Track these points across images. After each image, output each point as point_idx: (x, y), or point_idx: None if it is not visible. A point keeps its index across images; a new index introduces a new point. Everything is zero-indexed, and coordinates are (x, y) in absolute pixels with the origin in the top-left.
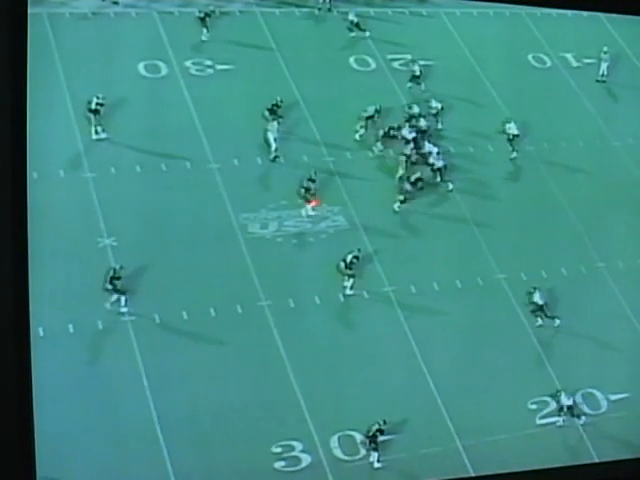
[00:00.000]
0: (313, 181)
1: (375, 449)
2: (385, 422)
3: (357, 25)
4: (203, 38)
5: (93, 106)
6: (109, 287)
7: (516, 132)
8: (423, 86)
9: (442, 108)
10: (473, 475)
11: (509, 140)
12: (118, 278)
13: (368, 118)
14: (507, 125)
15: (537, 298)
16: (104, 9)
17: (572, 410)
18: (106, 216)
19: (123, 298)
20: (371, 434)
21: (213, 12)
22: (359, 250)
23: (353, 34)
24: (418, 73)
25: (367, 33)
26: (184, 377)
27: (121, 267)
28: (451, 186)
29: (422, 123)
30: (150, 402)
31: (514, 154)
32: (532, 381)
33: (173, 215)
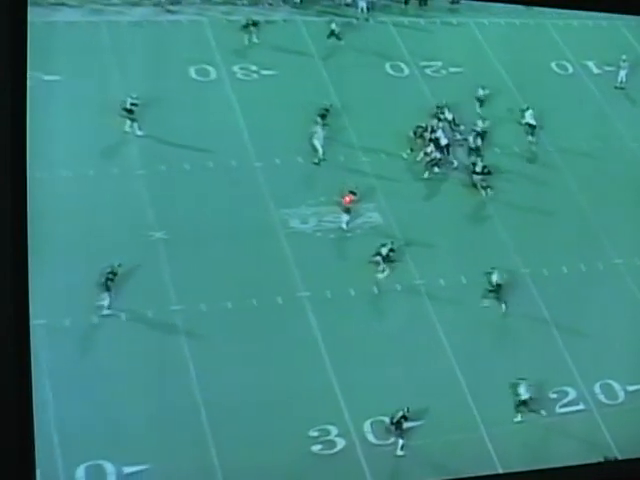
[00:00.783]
0: (354, 194)
1: (400, 436)
2: (409, 409)
3: (334, 33)
4: (249, 45)
5: (128, 106)
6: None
7: (533, 122)
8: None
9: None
10: (473, 475)
11: (528, 130)
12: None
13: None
14: (526, 113)
15: (495, 279)
16: (158, 17)
17: (527, 404)
18: (155, 211)
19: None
20: (395, 421)
21: (259, 21)
22: (393, 243)
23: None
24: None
25: (342, 42)
26: (225, 365)
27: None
28: (488, 192)
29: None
30: (195, 390)
31: (534, 140)
32: (552, 371)
33: (219, 210)
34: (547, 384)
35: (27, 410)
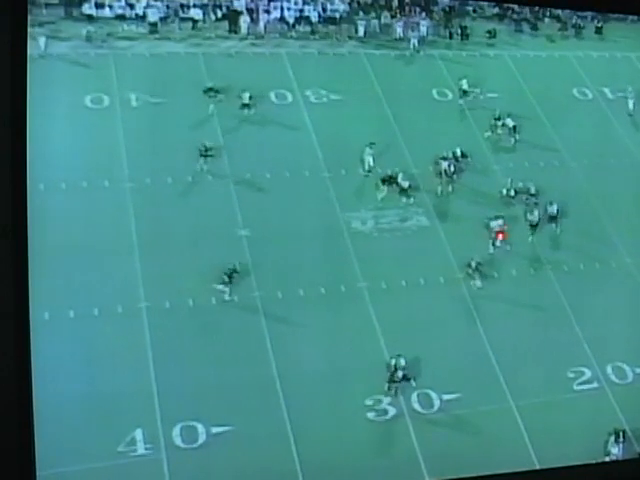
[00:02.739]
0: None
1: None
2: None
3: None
4: (320, 74)
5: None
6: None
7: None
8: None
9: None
10: (473, 475)
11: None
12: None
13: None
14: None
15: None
16: (245, 49)
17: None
18: (243, 213)
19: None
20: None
21: (328, 53)
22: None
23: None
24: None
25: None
26: (297, 342)
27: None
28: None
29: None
30: (273, 366)
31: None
32: (570, 353)
33: (294, 213)
34: (566, 364)
35: (27, 409)
